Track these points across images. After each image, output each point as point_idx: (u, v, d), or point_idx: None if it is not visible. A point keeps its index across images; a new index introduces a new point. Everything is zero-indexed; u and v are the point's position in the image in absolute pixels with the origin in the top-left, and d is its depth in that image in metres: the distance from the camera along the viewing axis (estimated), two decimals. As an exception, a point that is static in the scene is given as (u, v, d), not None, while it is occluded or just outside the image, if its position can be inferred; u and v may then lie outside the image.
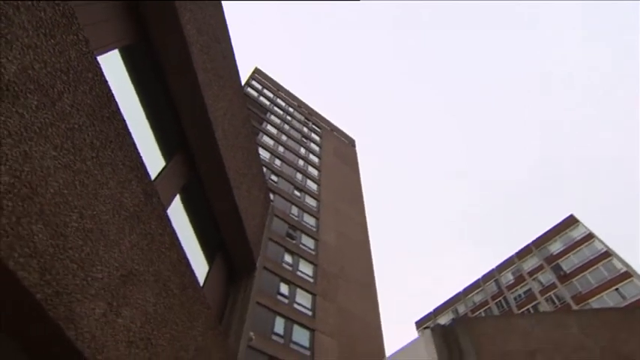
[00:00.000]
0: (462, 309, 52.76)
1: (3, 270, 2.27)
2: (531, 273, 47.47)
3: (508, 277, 50.38)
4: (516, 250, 52.41)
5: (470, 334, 10.11)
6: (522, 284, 47.83)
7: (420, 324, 55.66)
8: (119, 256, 3.23)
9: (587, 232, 44.44)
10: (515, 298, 47.39)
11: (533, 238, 50.03)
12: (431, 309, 56.28)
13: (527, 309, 44.19)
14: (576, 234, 45.40)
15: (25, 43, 2.50)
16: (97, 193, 3.05)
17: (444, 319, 50.50)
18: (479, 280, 53.83)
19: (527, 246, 50.10)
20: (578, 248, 44.04)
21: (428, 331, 11.64)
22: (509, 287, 49.12)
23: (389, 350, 29.84)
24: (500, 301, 48.96)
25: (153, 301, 3.63)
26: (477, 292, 52.76)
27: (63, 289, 2.62)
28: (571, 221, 46.62)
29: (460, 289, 55.55)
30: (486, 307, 50.00)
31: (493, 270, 52.99)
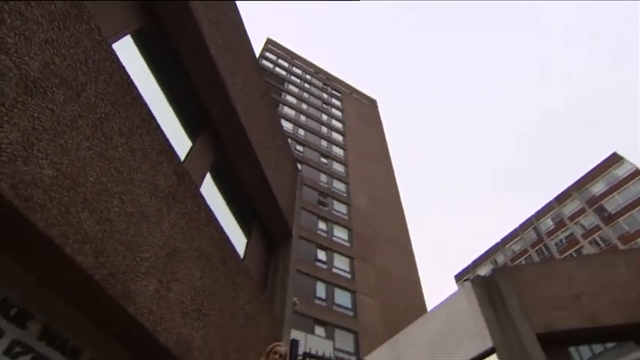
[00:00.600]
0: (500, 259, 52.41)
1: (62, 256, 2.44)
2: (572, 217, 45.98)
3: (547, 223, 49.11)
4: (555, 195, 50.66)
5: (511, 281, 10.05)
6: (563, 229, 46.56)
7: (459, 277, 55.97)
8: (162, 236, 3.39)
9: (633, 169, 42.05)
10: (556, 244, 46.38)
11: (573, 181, 48.07)
12: (469, 262, 56.32)
13: (570, 254, 43.25)
14: (621, 172, 43.08)
15: (42, 38, 2.55)
16: (132, 178, 3.17)
17: (483, 271, 50.45)
18: (517, 229, 52.87)
19: (567, 190, 48.23)
20: (624, 187, 41.92)
21: (468, 283, 11.68)
22: (549, 234, 47.99)
23: (430, 305, 30.42)
24: (540, 248, 48.11)
25: (199, 276, 3.83)
26: (516, 242, 52.01)
27: (116, 269, 2.81)
28: (614, 159, 44.16)
29: (498, 239, 54.91)
30: (526, 256, 49.36)
31: (531, 217, 51.73)
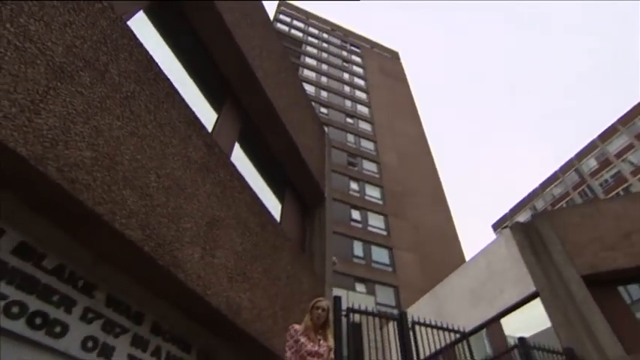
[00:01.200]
0: (540, 205, 50.78)
1: (112, 231, 2.60)
2: (619, 154, 43.19)
3: (590, 163, 46.50)
4: (598, 133, 47.52)
5: (552, 225, 9.78)
6: (608, 168, 44.02)
7: (496, 226, 55.03)
8: (200, 206, 3.51)
9: (688, 96, 38.31)
10: (600, 184, 44.11)
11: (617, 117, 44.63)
12: (506, 211, 55.03)
13: (617, 193, 41.14)
14: (674, 100, 39.49)
15: (61, 21, 2.57)
16: (165, 152, 3.26)
17: (521, 218, 49.25)
18: (556, 171, 50.54)
19: (612, 125, 45.04)
20: (678, 116, 38.64)
21: (507, 230, 11.49)
22: (593, 174, 45.58)
23: (468, 255, 30.39)
24: (583, 190, 45.98)
25: (239, 241, 3.98)
26: (556, 185, 49.95)
27: (162, 240, 2.96)
28: (665, 87, 40.37)
29: (536, 185, 52.90)
30: (568, 199, 47.46)
31: (572, 159, 49.11)
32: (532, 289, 9.06)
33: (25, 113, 2.22)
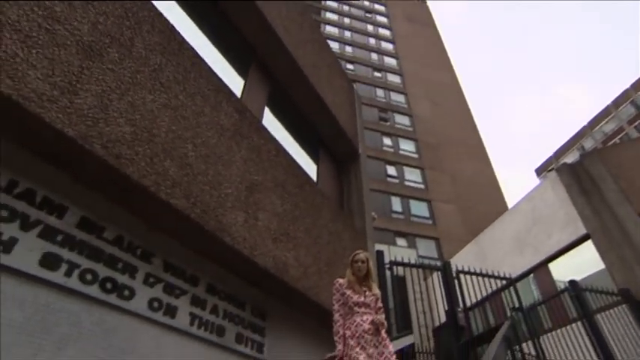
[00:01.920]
0: (589, 144, 47.47)
1: (159, 201, 2.73)
2: (682, 80, 38.89)
3: (649, 93, 42.33)
4: (657, 58, 42.54)
5: (604, 164, 9.15)
6: (669, 97, 39.94)
7: (540, 171, 52.51)
8: (238, 172, 3.59)
9: None
10: (660, 115, 40.32)
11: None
12: (551, 153, 52.05)
13: (680, 123, 37.46)
14: None
15: (82, -1, 2.58)
16: (198, 121, 3.31)
17: (568, 160, 46.51)
18: (608, 105, 46.57)
19: (674, 48, 40.17)
20: None
21: (553, 172, 10.93)
22: (652, 105, 41.63)
23: (510, 203, 29.47)
24: (640, 123, 42.31)
25: (279, 203, 4.07)
26: (607, 121, 46.20)
27: (206, 207, 3.08)
28: None
29: (584, 124, 49.22)
30: (621, 135, 43.97)
31: (627, 89, 44.87)
32: (582, 231, 8.71)
33: (65, 95, 2.31)
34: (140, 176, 2.60)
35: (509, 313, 6.94)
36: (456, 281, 6.14)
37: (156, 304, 2.82)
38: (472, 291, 6.22)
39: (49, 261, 2.25)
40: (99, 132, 2.43)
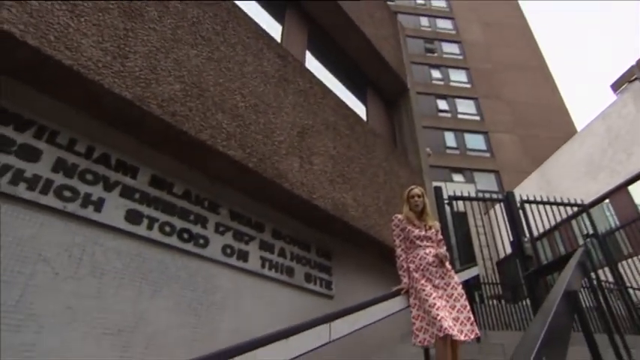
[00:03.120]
0: (679, 46, 40.58)
1: (217, 154, 2.83)
2: None
3: None
4: None
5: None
6: None
7: (618, 84, 46.62)
8: (288, 118, 3.58)
9: None
10: None
11: None
12: (629, 65, 45.53)
13: None
14: None
15: (114, -42, 2.54)
16: (243, 71, 3.28)
17: (652, 69, 40.40)
18: None
19: None
20: None
21: (635, 83, 9.61)
22: None
23: (580, 126, 26.82)
24: None
25: (332, 145, 4.04)
26: None
27: (262, 155, 3.15)
28: None
29: (674, 22, 41.68)
30: None
31: None
32: (670, 146, 7.76)
33: (117, 59, 2.38)
34: (197, 131, 2.68)
35: (581, 242, 6.58)
36: (520, 212, 5.89)
37: (229, 250, 3.03)
38: (538, 221, 5.95)
39: (133, 216, 2.47)
40: (152, 92, 2.50)
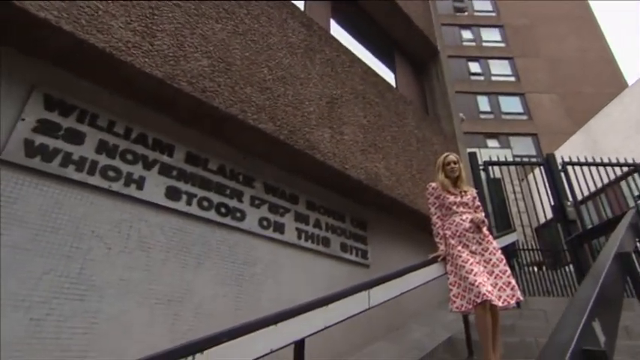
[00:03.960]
0: None
1: (248, 127, 2.84)
2: None
3: None
4: None
5: None
6: None
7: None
8: (316, 89, 3.52)
9: None
10: None
11: None
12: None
13: None
14: None
15: None
16: (268, 43, 3.23)
17: None
18: None
19: None
20: None
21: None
22: None
23: (631, 79, 24.68)
24: None
25: (362, 114, 3.96)
26: None
27: (293, 127, 3.13)
28: None
29: None
30: None
31: None
32: None
33: (145, 39, 2.39)
34: (227, 106, 2.70)
35: (631, 204, 6.20)
36: (562, 174, 5.60)
37: (265, 223, 3.10)
38: (582, 183, 5.65)
39: (172, 193, 2.56)
40: (182, 69, 2.52)
